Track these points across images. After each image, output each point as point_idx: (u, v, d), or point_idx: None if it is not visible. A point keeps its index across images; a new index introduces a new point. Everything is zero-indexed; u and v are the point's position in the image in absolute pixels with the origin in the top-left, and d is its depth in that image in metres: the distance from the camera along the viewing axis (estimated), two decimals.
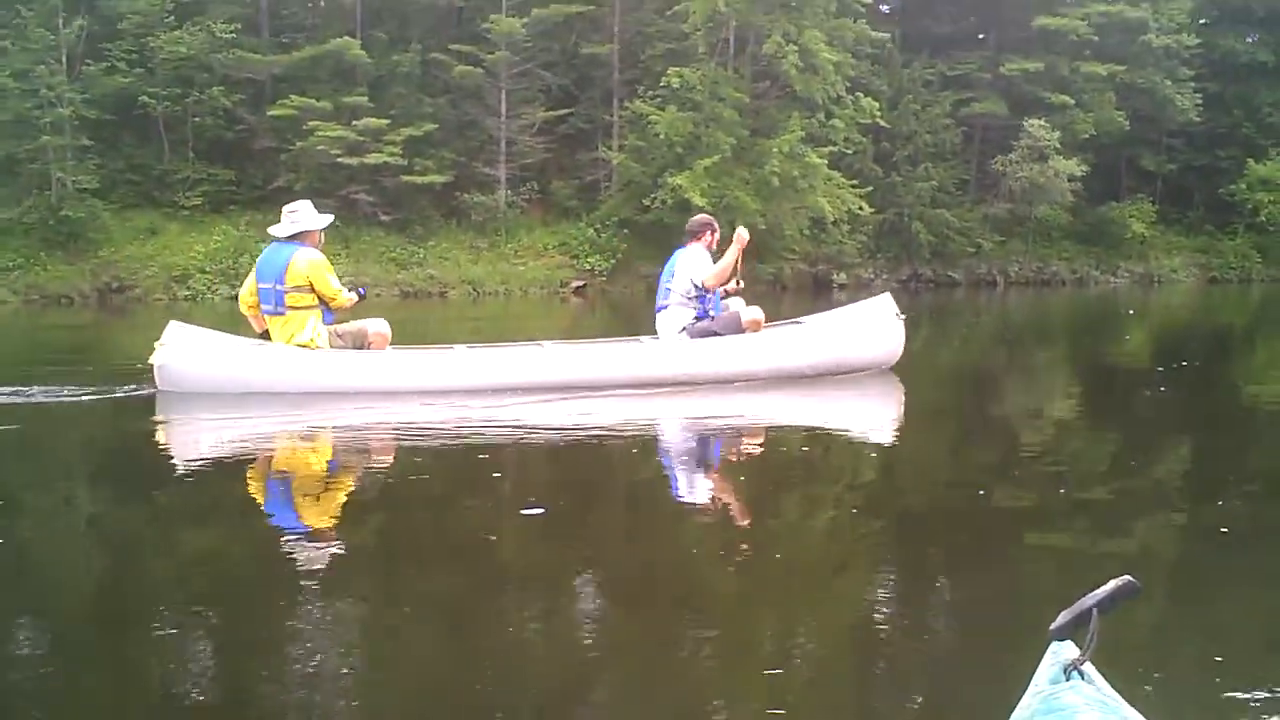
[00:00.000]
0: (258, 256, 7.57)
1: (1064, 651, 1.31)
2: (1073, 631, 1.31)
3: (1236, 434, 6.41)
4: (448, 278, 24.09)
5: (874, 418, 7.34)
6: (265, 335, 7.40)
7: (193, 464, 5.57)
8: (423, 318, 18.84)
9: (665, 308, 8.09)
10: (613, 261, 25.70)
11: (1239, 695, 2.31)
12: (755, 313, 8.02)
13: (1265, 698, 2.29)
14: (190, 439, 6.55)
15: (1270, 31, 36.01)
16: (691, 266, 7.97)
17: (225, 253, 22.94)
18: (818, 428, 6.72)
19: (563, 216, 26.86)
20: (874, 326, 8.30)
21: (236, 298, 7.92)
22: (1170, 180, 35.63)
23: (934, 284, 30.25)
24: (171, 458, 5.92)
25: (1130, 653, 2.53)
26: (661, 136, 24.89)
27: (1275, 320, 18.83)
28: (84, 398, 7.11)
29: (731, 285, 8.28)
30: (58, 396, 7.11)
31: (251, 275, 7.42)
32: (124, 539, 4.14)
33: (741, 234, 8.04)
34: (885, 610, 3.16)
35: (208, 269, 22.68)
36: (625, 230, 26.28)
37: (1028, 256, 32.11)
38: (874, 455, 5.74)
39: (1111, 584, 1.28)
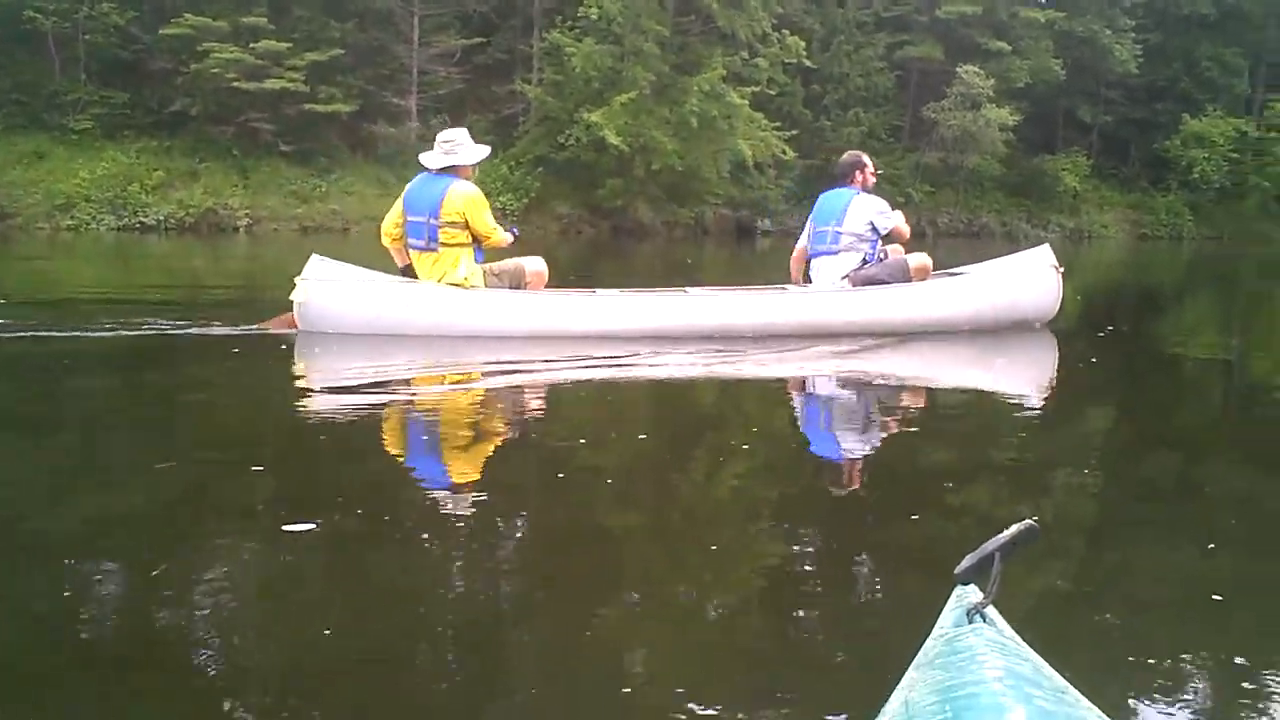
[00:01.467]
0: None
1: (968, 595, 1.34)
2: (976, 576, 1.34)
3: (1163, 397, 6.14)
4: (351, 213, 23.01)
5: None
6: (407, 270, 6.96)
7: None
8: (324, 254, 17.99)
9: (834, 252, 7.54)
10: (525, 200, 24.79)
11: (1137, 643, 2.43)
12: (923, 259, 7.61)
13: (1164, 647, 2.41)
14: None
15: None
16: (874, 210, 7.47)
17: (113, 180, 21.68)
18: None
19: None
20: (1035, 279, 7.80)
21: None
22: (1107, 133, 35.21)
23: None
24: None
25: (1036, 599, 2.64)
26: (578, 70, 23.90)
27: (1203, 280, 18.40)
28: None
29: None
30: None
31: (397, 206, 6.92)
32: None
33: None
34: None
35: (93, 197, 21.40)
36: (540, 168, 25.35)
37: (958, 207, 31.59)
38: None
39: (1013, 529, 1.30)
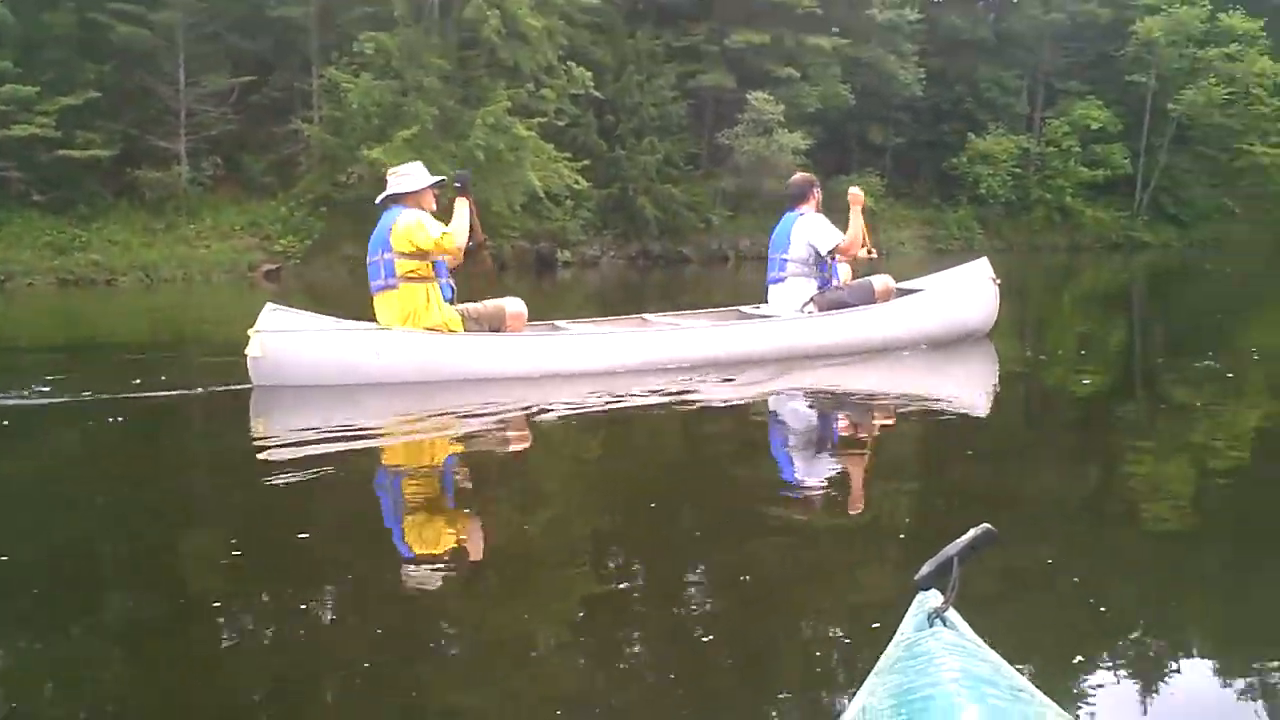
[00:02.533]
0: None
1: (929, 600, 1.34)
2: (936, 580, 1.34)
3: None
4: (116, 263, 21.57)
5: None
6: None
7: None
8: (87, 309, 16.71)
9: (781, 280, 7.62)
10: (309, 242, 23.77)
11: (1095, 639, 2.46)
12: (886, 281, 7.78)
13: (1122, 640, 2.47)
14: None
15: (990, 8, 37.06)
16: (813, 233, 7.51)
17: None
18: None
19: (255, 194, 24.67)
20: (979, 292, 8.12)
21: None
22: (898, 154, 36.23)
23: (664, 260, 29.53)
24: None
25: (995, 602, 2.67)
26: (356, 107, 23.09)
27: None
28: None
29: (863, 254, 7.96)
30: None
31: None
32: None
33: (856, 193, 7.87)
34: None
35: None
36: (323, 208, 24.37)
37: (759, 230, 31.83)
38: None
39: (971, 533, 1.30)
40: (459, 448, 5.18)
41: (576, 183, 25.61)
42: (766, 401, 6.45)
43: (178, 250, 22.46)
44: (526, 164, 24.13)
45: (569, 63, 25.98)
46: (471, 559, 3.37)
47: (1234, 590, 3.04)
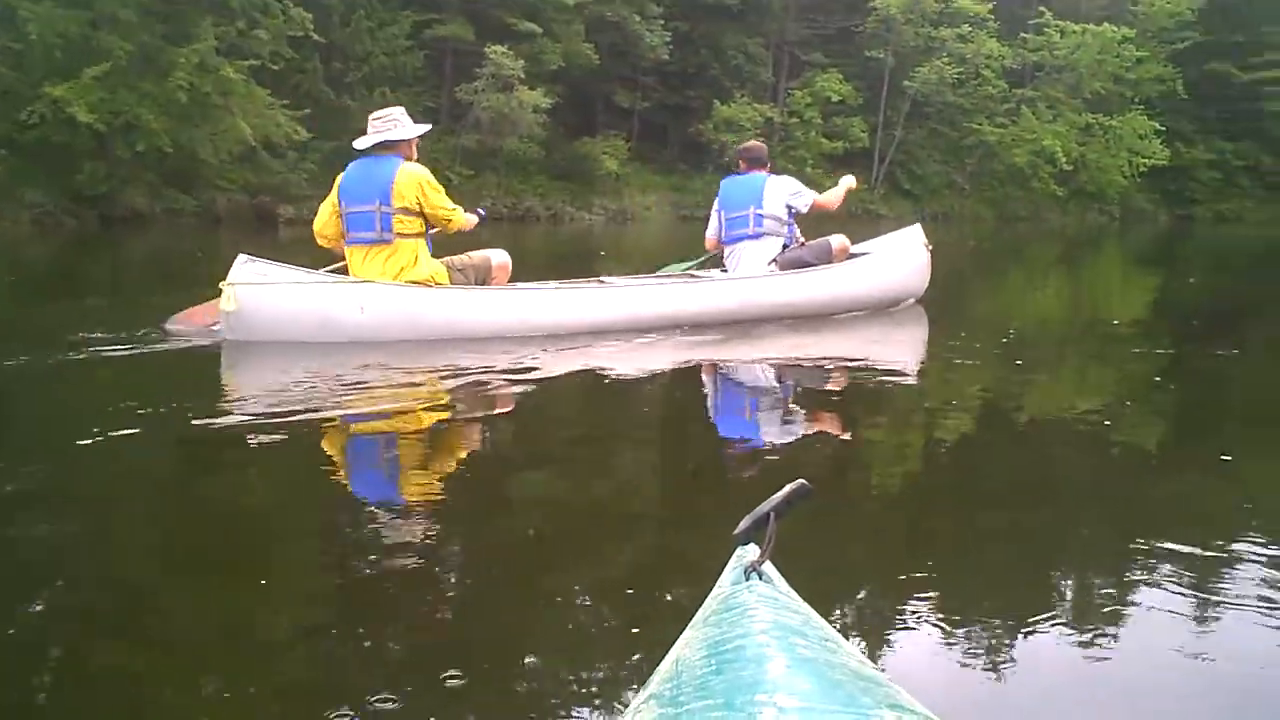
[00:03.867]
0: None
1: (747, 555, 1.37)
2: (754, 535, 1.38)
3: None
4: None
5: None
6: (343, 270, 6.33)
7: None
8: None
9: (757, 236, 7.64)
10: None
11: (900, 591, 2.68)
12: (843, 240, 7.91)
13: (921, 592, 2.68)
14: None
15: None
16: (786, 192, 7.65)
17: None
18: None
19: None
20: (916, 257, 8.28)
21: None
22: (645, 118, 35.99)
23: None
24: None
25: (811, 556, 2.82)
26: (35, 38, 20.69)
27: None
28: None
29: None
30: None
31: (330, 200, 6.23)
32: None
33: (850, 181, 8.24)
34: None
35: None
36: (4, 151, 21.83)
37: (501, 191, 30.94)
38: None
39: (786, 488, 1.34)
40: (443, 411, 4.88)
41: (295, 133, 23.95)
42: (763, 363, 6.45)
43: None
44: (236, 110, 22.33)
45: (286, 1, 24.20)
46: (439, 526, 3.17)
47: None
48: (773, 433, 4.50)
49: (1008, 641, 2.44)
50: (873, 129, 38.41)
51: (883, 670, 1.35)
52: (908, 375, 6.18)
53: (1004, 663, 2.34)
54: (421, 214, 6.12)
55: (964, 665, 2.32)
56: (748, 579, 1.29)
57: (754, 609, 1.17)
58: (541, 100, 29.01)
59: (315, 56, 26.37)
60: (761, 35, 37.55)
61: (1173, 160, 43.57)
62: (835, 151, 37.00)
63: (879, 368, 6.29)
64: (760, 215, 7.59)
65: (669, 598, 2.64)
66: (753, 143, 8.40)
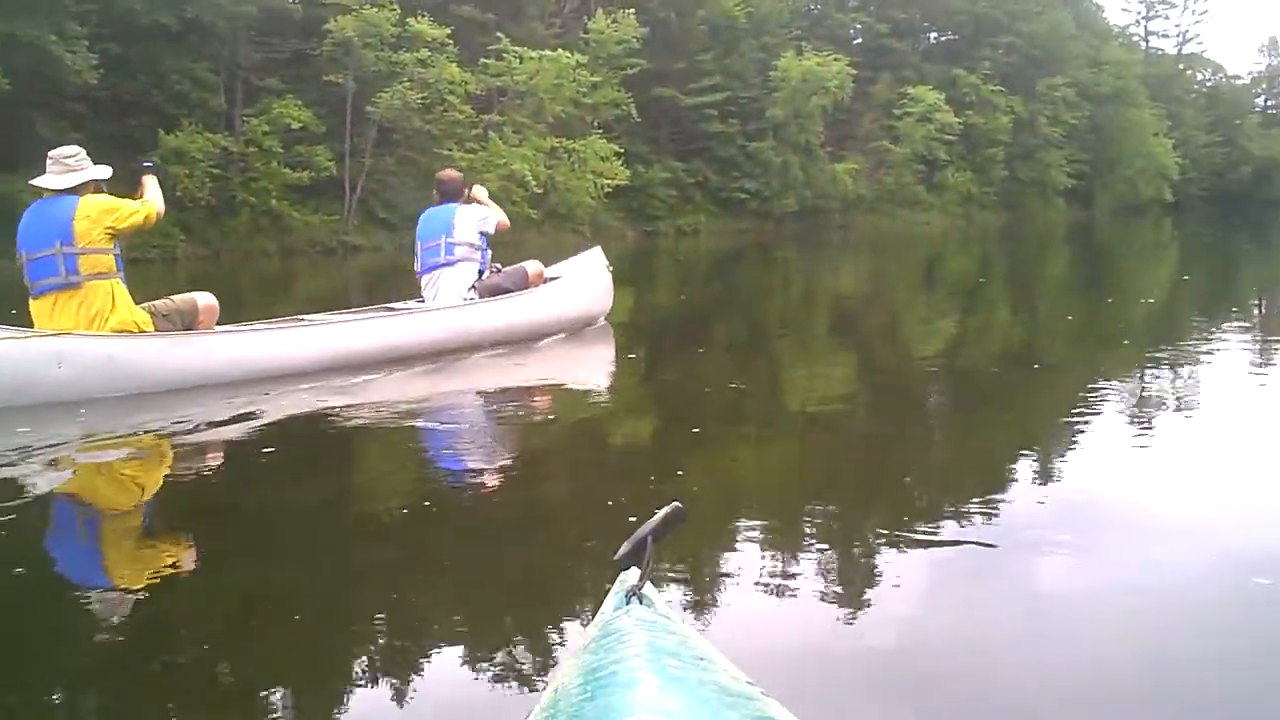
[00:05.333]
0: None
1: (629, 579, 1.39)
2: (636, 559, 1.40)
3: None
4: None
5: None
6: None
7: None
8: None
9: (452, 264, 7.93)
10: None
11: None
12: (538, 265, 8.51)
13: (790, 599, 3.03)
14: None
15: None
16: (476, 218, 8.08)
17: None
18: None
19: None
20: (602, 279, 8.85)
21: None
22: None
23: None
24: None
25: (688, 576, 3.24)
26: None
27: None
28: None
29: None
30: None
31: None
32: None
33: (480, 190, 8.67)
34: None
35: None
36: None
37: None
38: None
39: (662, 512, 1.39)
40: (161, 472, 4.63)
41: None
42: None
43: None
44: None
45: None
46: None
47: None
48: (505, 463, 4.63)
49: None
50: (340, 157, 36.85)
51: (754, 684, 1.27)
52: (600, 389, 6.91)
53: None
54: (114, 236, 5.85)
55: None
56: (628, 603, 1.31)
57: (630, 633, 1.19)
58: None
59: None
60: (209, 59, 34.69)
61: (634, 180, 46.19)
62: (301, 181, 34.99)
63: (579, 388, 6.87)
64: (451, 244, 8.01)
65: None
66: (448, 172, 8.78)
